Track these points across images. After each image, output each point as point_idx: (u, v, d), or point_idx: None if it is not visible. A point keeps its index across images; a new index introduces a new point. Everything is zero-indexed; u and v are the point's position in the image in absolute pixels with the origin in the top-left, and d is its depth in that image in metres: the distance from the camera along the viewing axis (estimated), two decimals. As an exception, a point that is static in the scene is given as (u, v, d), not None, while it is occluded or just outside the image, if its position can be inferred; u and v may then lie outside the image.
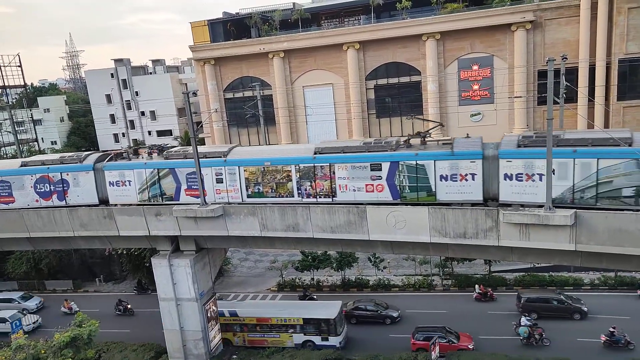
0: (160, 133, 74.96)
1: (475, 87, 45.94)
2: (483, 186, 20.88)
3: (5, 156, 53.67)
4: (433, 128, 26.42)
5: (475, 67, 45.61)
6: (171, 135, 73.46)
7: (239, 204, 25.00)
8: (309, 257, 38.34)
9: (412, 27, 46.00)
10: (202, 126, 48.77)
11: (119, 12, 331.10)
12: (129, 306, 37.77)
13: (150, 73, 79.96)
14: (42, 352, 21.32)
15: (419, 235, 21.67)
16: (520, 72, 43.63)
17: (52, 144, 79.57)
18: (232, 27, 53.73)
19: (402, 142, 23.25)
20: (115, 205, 27.23)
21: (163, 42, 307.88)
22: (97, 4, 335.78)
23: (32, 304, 39.61)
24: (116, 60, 76.19)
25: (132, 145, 74.06)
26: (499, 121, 45.13)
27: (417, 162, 21.81)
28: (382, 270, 38.79)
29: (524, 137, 20.67)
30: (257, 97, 41.04)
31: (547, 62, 19.62)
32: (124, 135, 77.53)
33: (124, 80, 75.72)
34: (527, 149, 19.99)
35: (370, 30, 47.50)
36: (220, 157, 25.33)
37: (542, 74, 41.12)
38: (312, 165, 23.52)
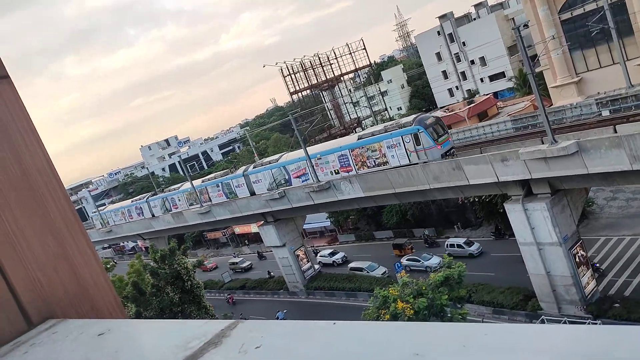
0: (493, 77, 73.11)
1: None
2: (248, 188, 42.26)
3: (364, 127, 64.23)
4: None
5: None
6: (504, 77, 70.54)
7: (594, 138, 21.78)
8: None
9: None
10: (538, 59, 44.55)
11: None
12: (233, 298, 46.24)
13: (474, 19, 78.46)
14: (423, 288, 24.70)
15: None
16: None
17: (398, 109, 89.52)
18: None
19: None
20: None
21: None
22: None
23: (473, 248, 40.68)
24: (440, 17, 78.32)
25: (466, 96, 75.32)
26: None
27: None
28: None
29: (254, 164, 44.42)
30: (605, 5, 34.13)
31: None
32: (457, 89, 79.46)
33: (450, 35, 77.05)
34: (255, 169, 42.15)
35: None
36: None
37: None
38: None
